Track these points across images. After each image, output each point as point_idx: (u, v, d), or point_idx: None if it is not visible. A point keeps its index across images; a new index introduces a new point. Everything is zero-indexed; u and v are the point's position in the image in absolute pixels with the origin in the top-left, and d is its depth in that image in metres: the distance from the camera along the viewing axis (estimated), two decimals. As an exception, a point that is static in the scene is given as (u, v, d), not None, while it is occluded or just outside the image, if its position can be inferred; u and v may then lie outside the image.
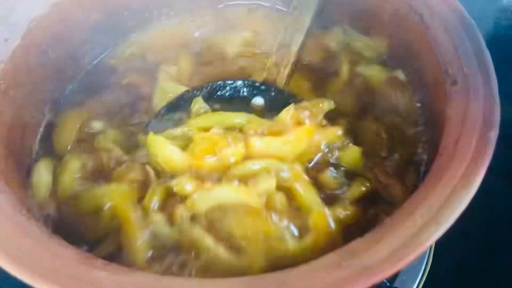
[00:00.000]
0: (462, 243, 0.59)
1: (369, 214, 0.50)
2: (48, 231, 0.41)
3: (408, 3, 0.57)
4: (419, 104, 0.56)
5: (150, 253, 0.46)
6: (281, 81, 0.61)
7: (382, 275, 0.35)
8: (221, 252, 0.45)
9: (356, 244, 0.38)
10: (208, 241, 0.45)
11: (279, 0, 0.70)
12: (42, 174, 0.54)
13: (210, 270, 0.45)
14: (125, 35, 0.69)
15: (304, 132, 0.52)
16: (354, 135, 0.54)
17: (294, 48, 0.62)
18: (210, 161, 0.50)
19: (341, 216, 0.48)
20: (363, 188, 0.51)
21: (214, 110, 0.57)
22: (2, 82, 0.52)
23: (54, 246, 0.39)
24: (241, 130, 0.53)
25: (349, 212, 0.49)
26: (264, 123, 0.53)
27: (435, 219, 0.37)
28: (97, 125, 0.59)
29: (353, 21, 0.65)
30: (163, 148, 0.51)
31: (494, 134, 0.42)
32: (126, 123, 0.59)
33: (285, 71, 0.61)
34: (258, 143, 0.50)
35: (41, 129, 0.60)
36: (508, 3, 1.01)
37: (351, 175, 0.52)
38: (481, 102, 0.45)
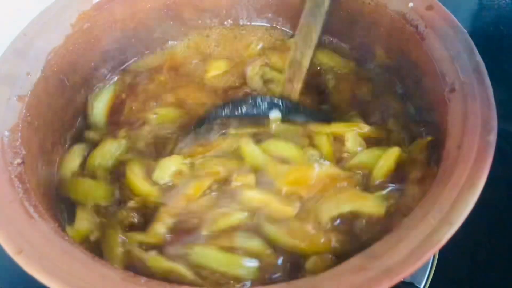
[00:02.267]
0: (466, 235, 0.63)
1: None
2: (90, 254, 0.44)
3: (403, 15, 0.61)
4: (419, 111, 0.60)
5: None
6: (294, 95, 0.65)
7: (404, 274, 0.39)
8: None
9: (377, 247, 0.42)
10: None
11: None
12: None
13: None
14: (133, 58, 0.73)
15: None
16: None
17: (305, 64, 0.65)
18: None
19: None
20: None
21: (234, 125, 0.63)
22: (28, 114, 0.55)
23: (100, 268, 0.42)
24: None
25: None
26: None
27: (447, 220, 0.41)
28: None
29: (350, 34, 0.69)
30: None
31: (493, 138, 0.46)
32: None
33: (298, 86, 0.65)
34: None
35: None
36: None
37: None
38: (478, 107, 0.49)
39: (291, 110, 0.64)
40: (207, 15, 0.74)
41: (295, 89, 0.65)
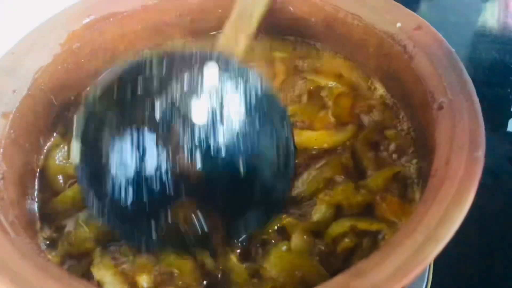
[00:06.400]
0: (458, 255, 0.62)
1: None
2: (67, 272, 0.42)
3: (391, 35, 0.60)
4: (408, 129, 0.59)
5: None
6: (238, 51, 0.51)
7: (389, 292, 0.37)
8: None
9: (362, 264, 0.40)
10: None
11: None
12: None
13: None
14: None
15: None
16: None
17: (257, 14, 0.54)
18: None
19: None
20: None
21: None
22: (12, 131, 0.55)
23: (75, 285, 0.40)
24: None
25: None
26: None
27: (434, 236, 0.40)
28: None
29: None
30: None
31: (481, 154, 0.45)
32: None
33: (244, 41, 0.52)
34: None
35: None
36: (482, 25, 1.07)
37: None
38: (466, 124, 0.48)
39: (232, 72, 0.45)
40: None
41: (240, 45, 0.51)
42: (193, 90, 0.42)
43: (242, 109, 0.44)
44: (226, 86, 0.44)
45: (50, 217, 0.56)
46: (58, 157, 0.61)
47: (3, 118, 0.55)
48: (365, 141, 0.59)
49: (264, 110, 0.46)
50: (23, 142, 0.57)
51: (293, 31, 0.71)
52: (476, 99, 0.50)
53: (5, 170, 0.51)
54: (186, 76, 0.43)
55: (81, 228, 0.53)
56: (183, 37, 0.73)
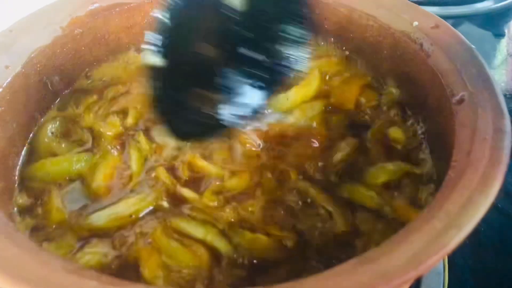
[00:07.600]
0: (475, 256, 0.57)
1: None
2: (37, 242, 0.38)
3: (407, 34, 0.58)
4: (421, 127, 0.55)
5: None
6: None
7: (403, 279, 0.32)
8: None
9: (373, 252, 0.35)
10: None
11: None
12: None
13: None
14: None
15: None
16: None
17: None
18: None
19: None
20: None
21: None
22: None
23: (44, 256, 0.35)
24: None
25: None
26: None
27: (455, 223, 0.35)
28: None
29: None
30: None
31: (507, 143, 0.41)
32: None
33: None
34: None
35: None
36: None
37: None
38: (489, 114, 0.44)
39: None
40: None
41: None
42: None
43: None
44: None
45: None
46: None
47: (-9, 91, 0.51)
48: (375, 135, 0.56)
49: None
50: (10, 121, 0.53)
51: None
52: (498, 91, 0.46)
53: (-14, 141, 0.47)
54: None
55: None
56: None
